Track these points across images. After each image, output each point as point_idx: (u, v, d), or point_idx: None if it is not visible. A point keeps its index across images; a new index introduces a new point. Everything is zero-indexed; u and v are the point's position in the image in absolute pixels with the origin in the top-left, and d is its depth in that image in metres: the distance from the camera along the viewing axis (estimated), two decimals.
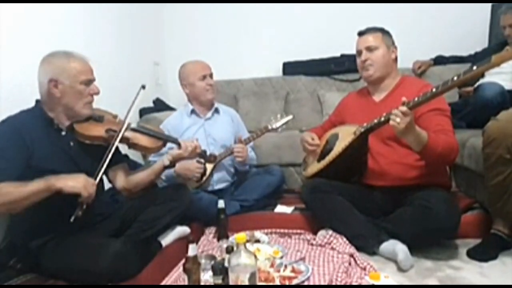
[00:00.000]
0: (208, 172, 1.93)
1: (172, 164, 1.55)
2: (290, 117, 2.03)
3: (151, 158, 1.91)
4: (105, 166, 1.32)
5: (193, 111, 2.06)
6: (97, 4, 2.24)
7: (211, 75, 2.04)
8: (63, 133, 1.35)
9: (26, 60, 1.49)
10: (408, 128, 1.36)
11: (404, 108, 1.35)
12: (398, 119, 1.35)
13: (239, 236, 1.07)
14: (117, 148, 1.40)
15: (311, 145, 1.81)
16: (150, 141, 1.51)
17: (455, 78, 1.31)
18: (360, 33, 1.75)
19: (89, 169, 1.32)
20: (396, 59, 1.74)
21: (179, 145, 1.56)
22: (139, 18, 2.78)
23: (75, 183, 1.19)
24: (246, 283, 1.00)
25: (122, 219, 1.45)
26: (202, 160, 1.77)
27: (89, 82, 1.35)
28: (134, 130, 1.48)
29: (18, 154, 1.21)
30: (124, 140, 1.43)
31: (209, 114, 2.08)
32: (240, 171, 2.10)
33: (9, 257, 1.34)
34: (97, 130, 1.39)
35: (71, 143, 1.35)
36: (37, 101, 1.35)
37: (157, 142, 1.53)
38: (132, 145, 1.48)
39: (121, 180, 1.49)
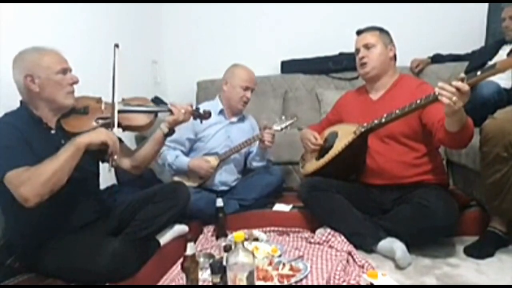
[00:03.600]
0: (212, 170, 1.93)
1: (172, 131, 1.52)
2: (294, 119, 2.03)
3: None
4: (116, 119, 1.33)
5: (221, 111, 2.06)
6: (95, 3, 2.22)
7: (252, 90, 2.06)
8: (53, 131, 1.33)
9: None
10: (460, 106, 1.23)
11: (466, 87, 1.19)
12: (454, 98, 1.19)
13: (237, 235, 1.08)
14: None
15: (314, 144, 1.80)
16: (142, 118, 1.47)
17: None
18: (358, 32, 1.77)
19: (84, 165, 1.30)
20: (394, 57, 1.74)
21: (171, 111, 1.51)
22: (137, 16, 2.76)
23: (99, 134, 1.23)
24: (244, 281, 1.00)
25: (120, 218, 1.45)
26: (216, 162, 1.85)
27: (65, 71, 1.32)
28: (122, 111, 1.42)
29: (25, 150, 1.20)
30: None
31: (234, 119, 2.09)
32: (254, 167, 2.08)
33: (7, 256, 1.34)
34: (86, 124, 1.36)
35: (62, 141, 1.32)
36: (21, 102, 1.33)
37: (149, 117, 1.48)
38: (126, 128, 1.45)
39: (126, 160, 1.48)
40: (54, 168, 1.13)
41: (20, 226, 1.29)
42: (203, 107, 1.93)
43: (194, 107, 1.59)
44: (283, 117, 2.03)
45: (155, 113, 1.51)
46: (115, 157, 1.26)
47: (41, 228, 1.27)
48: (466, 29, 2.66)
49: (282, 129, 1.98)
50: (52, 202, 1.17)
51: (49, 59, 1.30)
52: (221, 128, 2.03)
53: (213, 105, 2.07)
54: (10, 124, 1.23)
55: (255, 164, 2.08)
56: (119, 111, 1.40)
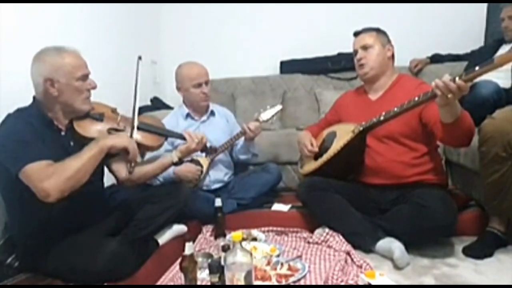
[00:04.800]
0: (204, 171, 1.93)
1: (180, 161, 1.54)
2: (279, 107, 2.00)
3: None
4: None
5: (188, 115, 2.05)
6: (94, 3, 2.22)
7: (206, 83, 1.99)
8: (63, 133, 1.34)
9: (21, 58, 1.44)
10: (454, 100, 1.26)
11: (463, 83, 1.21)
12: (450, 95, 1.23)
13: (235, 235, 1.08)
14: None
15: (310, 151, 1.79)
16: (153, 139, 1.50)
17: (457, 78, 1.28)
18: (356, 33, 1.77)
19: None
20: (392, 57, 1.74)
21: (184, 139, 1.54)
22: (136, 16, 2.76)
23: (121, 139, 1.29)
24: (242, 281, 1.00)
25: (119, 218, 1.45)
26: (207, 162, 1.81)
27: (85, 77, 1.33)
28: (139, 128, 1.45)
29: (40, 146, 1.20)
30: None
31: (204, 117, 2.07)
32: (241, 160, 2.08)
33: (6, 255, 1.34)
34: (98, 131, 1.37)
35: (71, 143, 1.33)
36: (34, 98, 1.32)
37: (159, 140, 1.52)
38: (136, 145, 1.45)
39: (125, 171, 1.47)
40: (78, 166, 1.15)
41: (24, 224, 1.28)
42: (166, 120, 1.97)
43: (205, 170, 1.70)
44: (268, 106, 2.00)
45: (167, 137, 1.56)
46: (133, 164, 1.32)
47: (45, 227, 1.27)
48: (465, 29, 2.67)
49: (268, 119, 1.96)
50: (59, 202, 1.16)
51: (70, 63, 1.28)
52: (194, 130, 1.97)
53: (178, 113, 2.07)
54: (26, 121, 1.23)
55: (241, 156, 2.06)
56: (136, 127, 1.43)
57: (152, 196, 1.48)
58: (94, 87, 1.36)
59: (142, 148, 1.50)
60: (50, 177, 1.11)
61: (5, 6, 1.57)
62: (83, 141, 1.34)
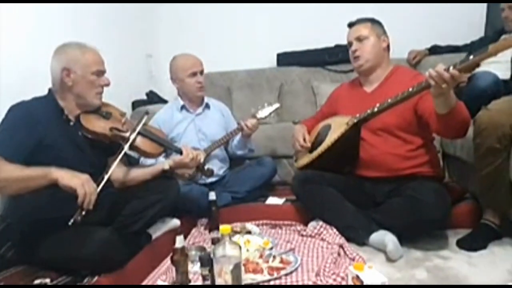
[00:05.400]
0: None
1: (171, 170, 1.58)
2: (277, 105, 2.00)
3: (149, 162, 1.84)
4: (109, 174, 1.31)
5: (183, 107, 2.04)
6: None
7: (201, 72, 2.00)
8: (72, 123, 1.38)
9: (9, 51, 1.52)
10: (448, 90, 1.25)
11: (457, 73, 1.20)
12: (444, 85, 1.22)
13: (223, 228, 1.07)
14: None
15: (301, 146, 1.78)
16: (151, 146, 1.54)
17: (451, 67, 1.27)
18: (350, 24, 1.74)
19: (96, 160, 1.40)
20: (388, 48, 1.72)
21: (181, 152, 1.58)
22: (131, 9, 2.74)
23: (74, 178, 1.16)
24: (229, 274, 1.00)
25: (109, 211, 1.44)
26: (203, 156, 1.80)
27: (101, 73, 1.41)
28: (139, 133, 1.49)
29: (26, 138, 1.24)
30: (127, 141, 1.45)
31: (199, 110, 2.06)
32: (238, 156, 2.08)
33: (1, 244, 1.35)
34: (102, 127, 1.42)
35: (79, 133, 1.39)
36: (50, 90, 1.39)
37: (158, 149, 1.56)
38: (135, 148, 1.50)
39: (117, 171, 1.48)
40: (11, 176, 1.16)
41: (19, 214, 1.31)
42: (158, 115, 2.03)
43: (202, 161, 1.68)
44: (266, 104, 2.00)
45: (165, 148, 1.59)
46: (83, 212, 1.17)
47: (39, 217, 1.28)
48: (465, 20, 2.62)
49: (266, 116, 1.95)
50: (54, 192, 1.18)
51: (89, 58, 1.37)
52: (189, 123, 2.01)
53: (173, 105, 2.07)
54: (29, 109, 1.29)
55: (238, 152, 2.06)
56: (138, 132, 1.47)
57: (141, 190, 1.48)
58: (108, 84, 1.43)
59: (142, 153, 1.55)
60: None
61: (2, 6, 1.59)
62: (87, 134, 1.40)
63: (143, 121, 1.51)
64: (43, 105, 1.33)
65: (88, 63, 1.36)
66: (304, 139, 1.79)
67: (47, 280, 1.12)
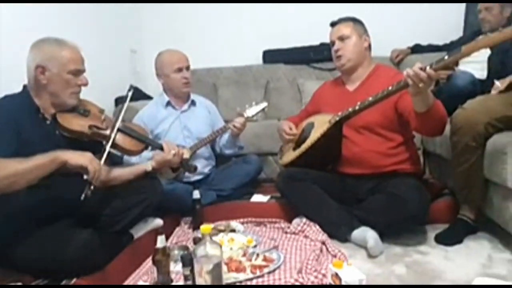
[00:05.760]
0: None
1: (154, 171, 1.56)
2: (265, 104, 2.00)
3: (134, 160, 1.83)
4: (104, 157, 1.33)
5: (168, 103, 2.02)
6: None
7: (187, 68, 1.98)
8: (48, 122, 1.34)
9: None
10: (425, 88, 1.29)
11: (433, 72, 1.24)
12: (421, 84, 1.25)
13: (204, 228, 1.07)
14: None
15: (289, 134, 1.81)
16: (133, 144, 1.51)
17: (427, 67, 1.30)
18: (332, 24, 1.76)
19: None
20: (369, 47, 1.74)
21: (161, 149, 1.56)
22: (114, 4, 2.69)
23: (81, 157, 1.20)
24: (209, 274, 1.00)
25: (91, 211, 1.42)
26: (188, 154, 1.81)
27: (78, 72, 1.35)
28: (119, 130, 1.46)
29: (11, 134, 1.20)
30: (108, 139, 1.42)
31: (185, 107, 2.04)
32: (225, 154, 2.08)
33: None
34: (80, 125, 1.38)
35: (56, 132, 1.35)
36: (25, 86, 1.33)
37: (139, 146, 1.53)
38: (116, 146, 1.47)
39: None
40: (18, 169, 1.11)
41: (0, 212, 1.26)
42: (143, 112, 2.01)
43: (188, 157, 1.67)
44: (253, 102, 1.99)
45: (147, 144, 1.56)
46: (92, 187, 1.22)
47: (16, 217, 1.25)
48: (445, 20, 2.70)
49: (253, 116, 1.95)
50: (37, 191, 1.17)
51: (66, 55, 1.31)
52: (174, 120, 1.99)
53: (158, 101, 2.05)
54: (6, 108, 1.24)
55: (227, 151, 2.06)
56: (118, 129, 1.44)
57: (124, 190, 1.46)
58: (85, 84, 1.37)
59: (123, 150, 1.52)
60: None
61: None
62: (64, 133, 1.36)
63: (121, 115, 1.46)
64: (17, 103, 1.28)
65: (64, 61, 1.30)
66: (290, 128, 1.81)
67: (19, 284, 1.10)
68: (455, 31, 2.60)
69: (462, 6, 2.63)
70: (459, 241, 1.47)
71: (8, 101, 1.28)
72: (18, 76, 1.37)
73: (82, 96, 1.49)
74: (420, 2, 2.75)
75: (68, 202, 1.34)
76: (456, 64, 2.09)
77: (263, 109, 1.99)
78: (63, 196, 1.31)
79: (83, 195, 1.23)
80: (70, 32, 1.90)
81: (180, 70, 1.95)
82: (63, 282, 1.18)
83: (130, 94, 1.52)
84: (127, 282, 1.31)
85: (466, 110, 1.42)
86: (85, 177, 1.24)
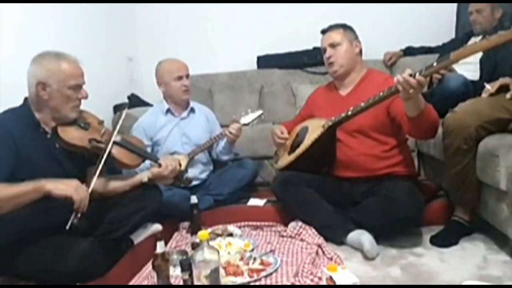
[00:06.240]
0: (183, 169, 1.93)
1: (149, 182, 1.57)
2: (260, 112, 2.04)
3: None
4: (93, 183, 1.32)
5: (168, 110, 2.05)
6: (69, 3, 2.18)
7: (187, 76, 2.03)
8: (48, 136, 1.35)
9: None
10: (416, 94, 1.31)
11: (422, 78, 1.27)
12: (411, 91, 1.28)
13: (201, 233, 1.09)
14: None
15: (280, 138, 1.83)
16: (130, 157, 1.52)
17: (417, 74, 1.32)
18: (323, 31, 1.79)
19: (75, 172, 1.35)
20: (360, 52, 1.77)
21: (159, 164, 1.57)
22: (110, 13, 2.72)
23: (66, 186, 1.19)
24: (207, 278, 1.02)
25: (91, 219, 1.44)
26: (186, 160, 1.84)
27: (78, 87, 1.36)
28: (117, 144, 1.47)
29: (8, 154, 1.21)
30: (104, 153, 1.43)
31: (184, 114, 2.07)
32: (221, 161, 2.10)
33: None
34: (80, 139, 1.39)
35: (57, 145, 1.36)
36: (26, 99, 1.36)
37: (136, 160, 1.54)
38: (113, 159, 1.47)
39: (96, 182, 1.43)
40: (7, 195, 1.13)
41: (3, 223, 1.26)
42: (143, 119, 2.03)
43: (183, 169, 1.70)
44: (249, 110, 2.03)
45: (144, 158, 1.58)
46: (78, 215, 1.21)
47: (19, 228, 1.27)
48: (437, 22, 2.73)
49: (249, 123, 1.98)
50: (36, 203, 1.17)
51: (66, 71, 1.32)
52: (173, 126, 2.02)
53: (158, 108, 2.08)
54: (4, 124, 1.25)
55: (223, 157, 2.09)
56: (114, 142, 1.45)
57: (124, 198, 1.48)
58: (85, 97, 1.40)
59: (120, 164, 1.52)
60: None
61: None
62: (65, 146, 1.37)
63: (117, 129, 1.47)
64: (17, 117, 1.30)
65: (64, 77, 1.31)
66: (282, 132, 1.83)
67: (20, 284, 1.11)
68: (447, 33, 2.63)
69: (454, 7, 2.66)
70: (454, 242, 1.49)
71: (9, 116, 1.30)
72: (20, 88, 1.38)
73: (81, 106, 1.51)
74: (412, 5, 2.78)
75: (66, 212, 1.36)
76: (446, 67, 2.11)
77: (259, 116, 2.02)
78: (62, 207, 1.31)
79: (68, 224, 1.20)
80: (68, 42, 1.94)
81: (180, 78, 1.99)
82: None
83: (124, 112, 1.55)
84: None
85: (457, 113, 1.45)
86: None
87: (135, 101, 2.78)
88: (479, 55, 2.01)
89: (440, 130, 1.51)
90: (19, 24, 1.81)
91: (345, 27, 1.75)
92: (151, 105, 2.64)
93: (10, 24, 1.75)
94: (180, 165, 1.66)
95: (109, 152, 1.41)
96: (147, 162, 1.78)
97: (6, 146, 1.22)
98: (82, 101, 1.48)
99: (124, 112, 1.56)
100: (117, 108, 2.59)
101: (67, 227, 1.20)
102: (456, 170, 1.46)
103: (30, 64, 1.33)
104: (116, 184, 1.52)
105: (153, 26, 3.07)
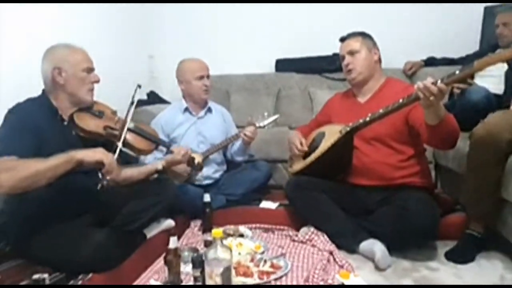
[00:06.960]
0: (199, 162, 1.95)
1: (165, 170, 1.62)
2: (276, 116, 2.06)
3: (147, 160, 1.90)
4: (117, 153, 1.39)
5: (186, 109, 2.09)
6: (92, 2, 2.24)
7: (208, 76, 2.06)
8: (65, 123, 1.41)
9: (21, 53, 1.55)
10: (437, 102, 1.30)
11: (444, 86, 1.26)
12: (432, 98, 1.27)
13: (215, 231, 1.10)
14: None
15: (300, 150, 1.81)
16: (144, 143, 1.57)
17: (439, 81, 1.31)
18: (342, 39, 1.79)
19: None
20: (379, 60, 1.76)
21: (171, 151, 1.62)
22: (133, 11, 2.78)
23: (94, 152, 1.26)
24: (219, 277, 1.02)
25: (107, 211, 1.46)
26: (200, 159, 1.86)
27: (90, 70, 1.45)
28: (130, 130, 1.53)
29: (32, 139, 1.26)
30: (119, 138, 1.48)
31: (202, 113, 2.10)
32: (236, 161, 2.12)
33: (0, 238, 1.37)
34: (96, 126, 1.45)
35: (73, 132, 1.42)
36: (43, 91, 1.42)
37: (150, 145, 1.60)
38: (127, 145, 1.53)
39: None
40: (38, 169, 1.16)
41: (18, 211, 1.32)
42: (162, 115, 2.09)
43: (200, 161, 1.77)
44: (266, 114, 2.05)
45: (157, 144, 1.63)
46: (108, 177, 1.29)
47: (37, 214, 1.30)
48: (461, 32, 2.68)
49: (264, 125, 2.00)
50: (54, 190, 1.22)
51: (78, 56, 1.41)
52: (190, 125, 2.05)
53: (177, 106, 2.12)
54: (27, 110, 1.32)
55: (238, 158, 2.11)
56: (128, 129, 1.50)
57: (139, 191, 1.50)
58: (98, 81, 1.47)
59: (134, 150, 1.57)
60: (7, 171, 1.13)
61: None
62: (81, 133, 1.42)
63: (130, 114, 1.52)
64: (38, 106, 1.36)
65: (77, 61, 1.40)
66: (301, 143, 1.82)
67: (46, 275, 1.14)
68: (472, 45, 2.58)
69: (480, 18, 2.61)
70: (470, 259, 1.45)
71: (30, 104, 1.36)
72: (38, 81, 1.43)
73: (101, 99, 1.56)
74: (435, 14, 2.74)
75: (86, 198, 1.40)
76: (472, 78, 2.07)
77: (274, 120, 2.04)
78: (82, 192, 1.36)
79: (99, 185, 1.29)
80: (90, 39, 1.99)
81: (201, 77, 2.03)
82: (80, 277, 1.22)
83: (137, 91, 1.58)
84: (139, 279, 1.35)
85: (488, 125, 1.39)
86: (99, 174, 1.30)
87: (153, 98, 2.83)
88: (504, 68, 1.97)
89: (465, 142, 1.47)
90: (41, 21, 1.87)
91: (363, 35, 1.75)
92: (169, 103, 2.68)
93: (32, 21, 1.81)
94: (188, 152, 1.71)
95: (124, 138, 1.46)
96: (160, 155, 1.85)
97: (30, 131, 1.27)
98: (101, 95, 1.54)
99: (137, 96, 1.58)
100: (136, 105, 2.63)
101: (98, 188, 1.29)
102: (478, 184, 1.41)
103: (43, 57, 1.40)
104: (131, 172, 1.57)
105: (174, 25, 3.12)
